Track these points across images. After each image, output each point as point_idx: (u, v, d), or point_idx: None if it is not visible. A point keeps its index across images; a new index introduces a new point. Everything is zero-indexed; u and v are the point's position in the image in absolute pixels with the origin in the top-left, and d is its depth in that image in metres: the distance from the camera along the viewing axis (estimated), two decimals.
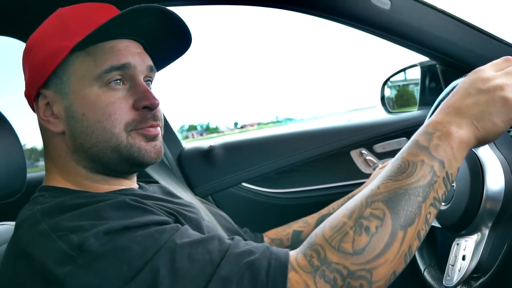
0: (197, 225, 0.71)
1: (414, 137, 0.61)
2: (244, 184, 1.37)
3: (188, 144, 1.46)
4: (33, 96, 0.73)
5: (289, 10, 1.24)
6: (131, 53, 0.72)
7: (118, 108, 0.69)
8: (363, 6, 1.19)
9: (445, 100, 0.62)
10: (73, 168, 0.73)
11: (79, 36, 0.68)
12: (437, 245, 1.03)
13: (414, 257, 1.01)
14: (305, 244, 0.59)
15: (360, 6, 1.20)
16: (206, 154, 1.39)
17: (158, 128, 0.74)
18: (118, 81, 0.71)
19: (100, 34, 0.68)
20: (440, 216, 0.89)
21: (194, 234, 0.61)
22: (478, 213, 0.78)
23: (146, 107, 0.71)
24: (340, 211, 0.59)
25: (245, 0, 1.26)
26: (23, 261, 0.61)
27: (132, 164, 0.73)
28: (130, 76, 0.72)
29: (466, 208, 0.79)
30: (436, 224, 0.93)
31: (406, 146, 0.61)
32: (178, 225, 0.62)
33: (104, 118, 0.69)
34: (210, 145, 1.39)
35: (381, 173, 0.60)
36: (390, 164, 0.60)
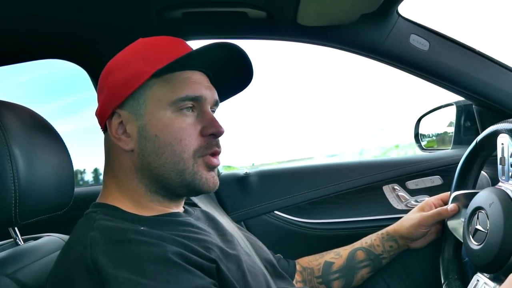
0: (237, 262, 0.75)
1: None
2: (276, 212, 1.39)
3: (224, 170, 1.50)
4: (107, 115, 0.79)
5: (330, 47, 1.29)
6: (204, 86, 0.80)
7: (188, 134, 0.76)
8: (402, 46, 1.23)
9: None
10: (134, 185, 0.78)
11: (160, 64, 0.75)
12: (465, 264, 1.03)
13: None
14: None
15: (399, 46, 1.23)
16: (241, 181, 1.42)
17: (219, 159, 0.80)
18: (189, 108, 0.77)
19: (179, 64, 0.76)
20: (469, 252, 0.89)
21: None
22: (506, 264, 0.77)
23: (212, 134, 0.78)
24: None
25: (286, 36, 1.31)
26: (63, 279, 0.65)
27: (190, 190, 0.78)
28: (200, 106, 0.79)
29: (495, 256, 0.79)
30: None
31: None
32: None
33: (175, 142, 0.75)
34: (246, 172, 1.43)
35: None
36: None
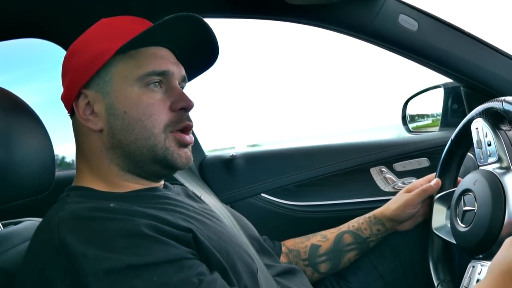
0: (218, 234, 0.73)
1: None
2: (263, 194, 1.38)
3: (210, 152, 1.49)
4: (73, 97, 0.77)
5: (316, 26, 1.27)
6: (170, 61, 0.79)
7: (158, 110, 0.75)
8: (391, 26, 1.21)
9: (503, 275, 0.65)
10: (106, 166, 0.77)
11: (123, 40, 0.73)
12: (454, 263, 1.03)
13: (428, 270, 1.02)
14: None
15: (387, 27, 1.21)
16: (228, 163, 1.41)
17: (191, 136, 0.79)
18: (157, 83, 0.76)
19: (143, 39, 0.74)
20: (458, 237, 0.90)
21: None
22: (497, 239, 0.78)
23: (182, 108, 0.77)
24: None
25: (274, 15, 1.28)
26: (33, 264, 0.64)
27: (163, 166, 0.77)
28: (167, 81, 0.78)
29: (486, 233, 0.79)
30: (453, 241, 0.93)
31: None
32: (192, 278, 0.61)
33: (145, 117, 0.74)
34: (232, 154, 1.41)
35: None
36: None
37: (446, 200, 1.03)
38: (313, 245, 1.12)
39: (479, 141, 0.91)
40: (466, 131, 0.97)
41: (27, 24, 1.22)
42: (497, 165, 0.86)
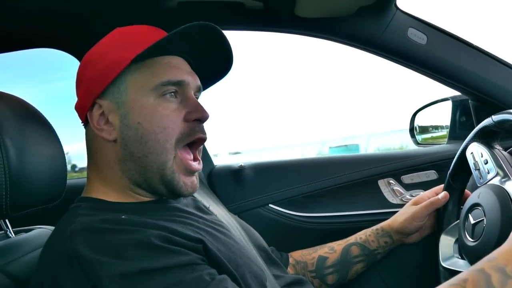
0: (227, 245, 0.73)
1: (486, 265, 0.58)
2: (271, 205, 1.39)
3: (219, 162, 1.49)
4: (87, 107, 0.77)
5: (324, 39, 1.28)
6: (186, 71, 0.78)
7: (172, 122, 0.74)
8: (399, 39, 1.22)
9: None
10: (118, 178, 0.76)
11: (138, 49, 0.73)
12: None
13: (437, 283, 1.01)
14: None
15: (396, 40, 1.22)
16: (236, 173, 1.41)
17: (201, 163, 0.79)
18: (172, 93, 0.76)
19: (158, 48, 0.74)
20: (469, 252, 0.89)
21: None
22: None
23: (196, 120, 0.76)
24: None
25: (283, 28, 1.29)
26: (46, 275, 0.64)
27: (169, 190, 0.76)
28: (183, 91, 0.77)
29: (497, 242, 0.78)
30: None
31: (474, 273, 0.58)
32: (204, 275, 0.61)
33: (159, 130, 0.73)
34: (241, 165, 1.42)
35: None
36: (448, 285, 0.58)
37: (452, 233, 1.03)
38: (321, 256, 1.11)
39: (476, 163, 0.96)
40: (462, 162, 1.02)
41: (42, 34, 1.24)
42: (498, 178, 0.88)
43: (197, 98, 0.82)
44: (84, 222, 0.66)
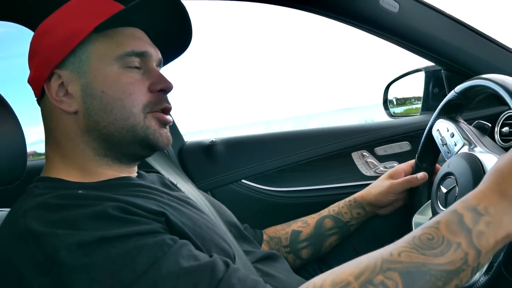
0: (193, 220, 0.71)
1: (458, 206, 0.55)
2: (244, 181, 1.36)
3: (189, 138, 1.46)
4: (44, 78, 0.73)
5: (297, 8, 1.24)
6: (148, 43, 0.77)
7: (137, 89, 0.73)
8: (371, 8, 1.19)
9: (496, 174, 0.57)
10: (80, 151, 0.74)
11: (99, 19, 0.71)
12: None
13: None
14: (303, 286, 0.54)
15: (368, 8, 1.19)
16: (208, 149, 1.38)
17: (170, 116, 0.78)
18: (136, 66, 0.74)
19: (121, 19, 0.72)
20: None
21: (186, 256, 0.58)
22: None
23: (161, 90, 0.75)
24: (349, 266, 0.54)
25: None
26: (1, 257, 0.61)
27: (144, 146, 0.75)
28: (145, 63, 0.76)
29: None
30: None
31: (447, 214, 0.55)
32: (167, 240, 0.59)
33: (124, 96, 0.71)
34: (212, 140, 1.39)
35: (407, 235, 0.55)
36: (421, 228, 0.55)
37: (425, 213, 1.04)
38: (294, 231, 1.10)
39: (442, 139, 0.98)
40: (429, 140, 1.04)
41: None
42: (466, 147, 0.89)
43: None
44: (39, 201, 0.63)
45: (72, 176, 0.73)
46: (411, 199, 1.08)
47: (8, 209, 0.92)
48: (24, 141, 0.82)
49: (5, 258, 0.59)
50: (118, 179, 0.75)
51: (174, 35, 0.84)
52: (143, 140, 0.74)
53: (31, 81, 0.77)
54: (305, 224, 1.11)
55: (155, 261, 0.55)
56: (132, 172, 0.80)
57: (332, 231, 1.10)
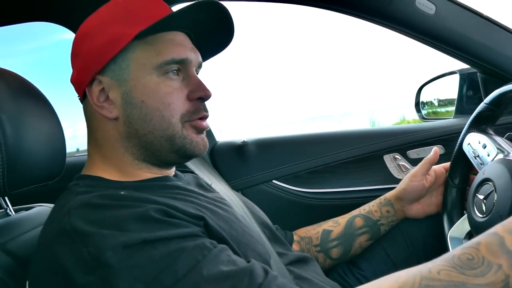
0: (229, 223, 0.72)
1: (499, 229, 0.54)
2: (275, 181, 1.37)
3: (221, 138, 1.47)
4: (86, 82, 0.74)
5: (331, 10, 1.24)
6: (189, 48, 0.77)
7: (176, 99, 0.73)
8: (407, 9, 1.18)
9: None
10: (120, 155, 0.75)
11: (141, 25, 0.71)
12: None
13: None
14: None
15: (404, 10, 1.18)
16: (239, 149, 1.39)
17: (208, 122, 0.78)
18: (175, 71, 0.74)
19: (162, 25, 0.72)
20: (476, 228, 0.87)
21: (225, 261, 0.59)
22: None
23: (199, 98, 0.75)
24: (387, 280, 0.54)
25: None
26: (45, 253, 0.63)
27: (181, 155, 0.76)
28: (185, 69, 0.76)
29: (509, 216, 0.77)
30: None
31: (487, 236, 0.54)
32: (207, 243, 0.60)
33: (163, 107, 0.72)
34: (244, 140, 1.40)
35: (445, 254, 0.54)
36: (460, 248, 0.54)
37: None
38: (325, 230, 1.11)
39: (474, 151, 0.96)
40: (460, 155, 1.03)
41: (34, 7, 1.20)
42: (501, 155, 0.87)
43: (198, 73, 0.80)
44: (82, 199, 0.65)
45: (111, 175, 0.75)
46: (444, 207, 1.07)
47: (49, 204, 0.96)
48: (64, 138, 0.84)
49: (51, 254, 0.61)
50: (156, 179, 0.76)
51: (216, 35, 0.83)
52: (180, 150, 0.75)
53: (73, 82, 0.78)
54: (336, 223, 1.11)
55: (195, 264, 0.56)
56: (171, 172, 0.82)
57: (362, 230, 1.10)
